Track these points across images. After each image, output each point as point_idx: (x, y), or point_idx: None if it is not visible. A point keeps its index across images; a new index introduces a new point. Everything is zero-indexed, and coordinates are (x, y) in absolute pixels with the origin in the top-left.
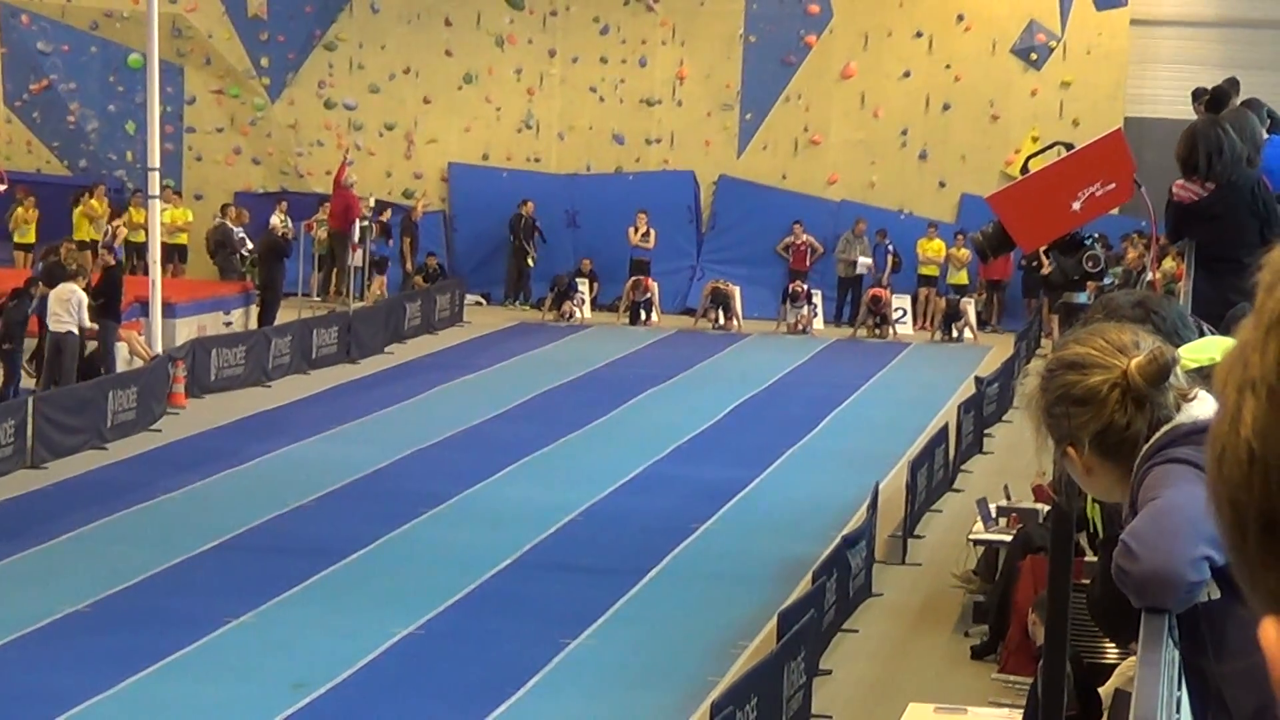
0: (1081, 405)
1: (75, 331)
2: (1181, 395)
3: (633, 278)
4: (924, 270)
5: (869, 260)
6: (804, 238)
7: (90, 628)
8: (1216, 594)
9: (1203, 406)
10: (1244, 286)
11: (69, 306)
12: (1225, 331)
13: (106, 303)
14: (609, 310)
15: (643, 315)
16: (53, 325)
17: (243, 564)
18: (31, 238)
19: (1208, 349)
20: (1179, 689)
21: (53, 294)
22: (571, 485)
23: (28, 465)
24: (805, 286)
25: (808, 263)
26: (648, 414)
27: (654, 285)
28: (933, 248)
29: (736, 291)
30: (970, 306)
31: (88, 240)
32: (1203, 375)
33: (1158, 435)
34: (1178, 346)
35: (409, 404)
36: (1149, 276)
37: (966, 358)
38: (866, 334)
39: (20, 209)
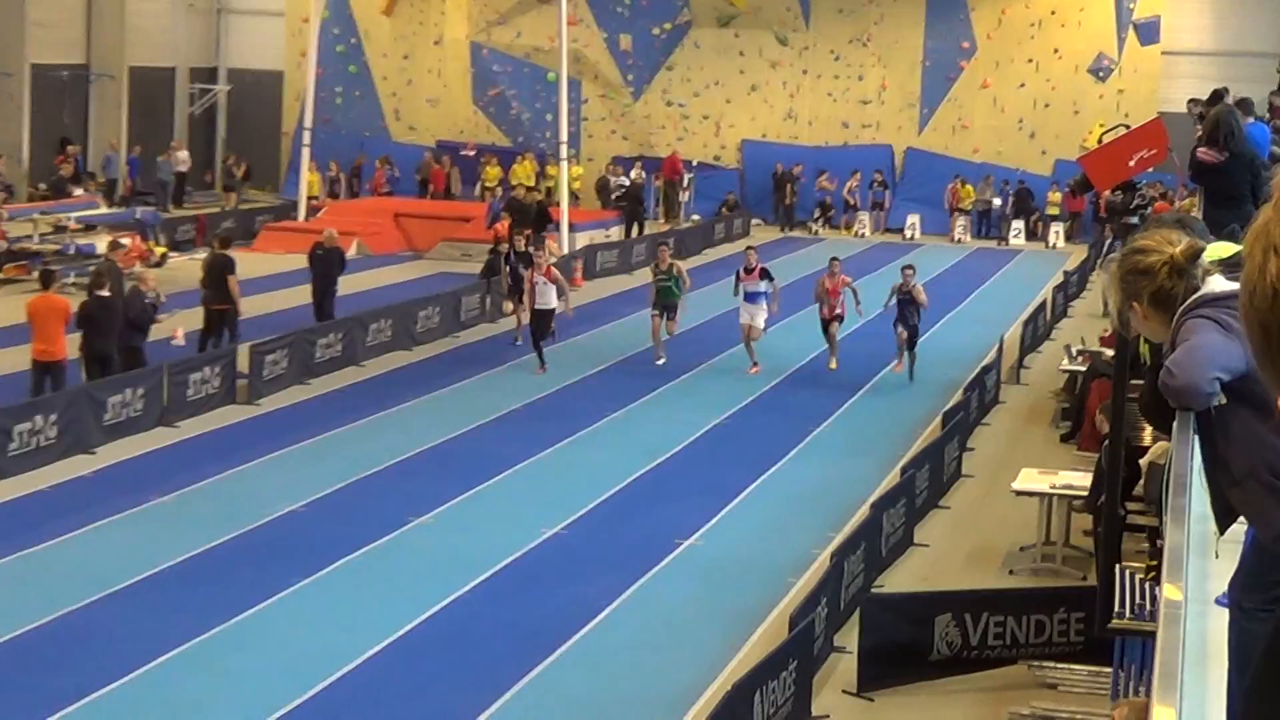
0: (1143, 275)
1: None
2: (1206, 273)
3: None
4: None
5: (998, 199)
6: (955, 185)
7: (417, 471)
8: (1224, 400)
9: (1218, 282)
10: (1238, 216)
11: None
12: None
13: (539, 225)
14: (833, 228)
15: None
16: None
17: (616, 381)
18: (493, 181)
19: (1219, 250)
20: (1194, 459)
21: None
22: (779, 356)
23: (488, 321)
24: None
25: (958, 200)
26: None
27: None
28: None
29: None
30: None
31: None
32: (1216, 265)
33: (1191, 300)
34: None
35: (715, 285)
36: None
37: (1057, 259)
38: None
39: (489, 168)
